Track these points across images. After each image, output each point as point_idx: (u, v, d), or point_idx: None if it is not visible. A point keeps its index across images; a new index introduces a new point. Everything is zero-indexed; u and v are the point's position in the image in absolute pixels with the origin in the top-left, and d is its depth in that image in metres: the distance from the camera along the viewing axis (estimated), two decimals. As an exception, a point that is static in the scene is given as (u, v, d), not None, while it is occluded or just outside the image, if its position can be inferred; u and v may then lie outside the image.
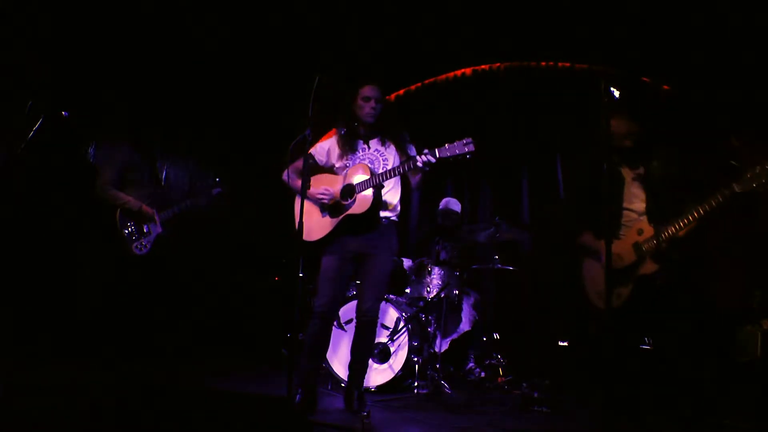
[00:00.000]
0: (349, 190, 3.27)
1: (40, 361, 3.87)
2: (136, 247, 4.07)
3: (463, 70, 5.94)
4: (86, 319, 4.07)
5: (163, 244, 4.23)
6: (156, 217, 4.16)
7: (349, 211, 3.25)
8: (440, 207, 5.34)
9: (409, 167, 3.14)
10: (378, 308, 3.42)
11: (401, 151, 3.40)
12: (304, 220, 3.42)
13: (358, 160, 3.39)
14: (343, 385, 3.80)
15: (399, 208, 3.50)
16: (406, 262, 5.05)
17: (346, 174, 3.35)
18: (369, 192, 3.22)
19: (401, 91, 6.24)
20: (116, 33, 4.69)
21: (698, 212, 3.08)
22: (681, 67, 4.61)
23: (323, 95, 3.22)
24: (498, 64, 5.78)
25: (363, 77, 3.46)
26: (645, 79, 5.00)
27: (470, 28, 5.08)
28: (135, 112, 4.49)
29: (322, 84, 3.05)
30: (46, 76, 4.26)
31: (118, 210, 4.06)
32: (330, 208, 3.34)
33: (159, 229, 4.18)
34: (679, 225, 3.14)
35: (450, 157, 3.02)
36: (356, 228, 3.31)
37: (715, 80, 4.37)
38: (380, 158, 3.41)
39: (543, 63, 5.52)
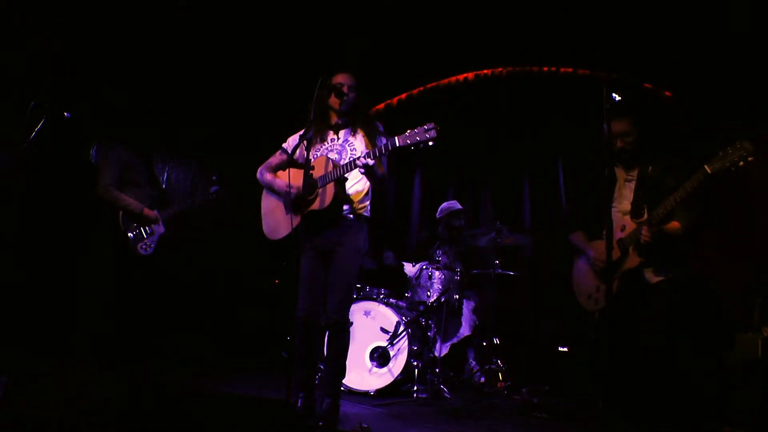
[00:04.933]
0: (312, 185, 3.14)
1: (41, 361, 3.87)
2: (141, 247, 4.08)
3: (465, 75, 5.95)
4: (90, 320, 4.06)
5: (166, 245, 4.23)
6: (159, 219, 4.18)
7: (311, 207, 3.12)
8: (441, 212, 5.26)
9: (371, 156, 2.98)
10: (345, 309, 3.20)
11: (370, 140, 3.24)
12: (271, 217, 3.37)
13: (326, 152, 3.26)
14: (343, 389, 3.75)
15: (368, 201, 3.32)
16: (407, 266, 5.06)
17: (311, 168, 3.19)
18: (330, 186, 3.09)
19: (403, 95, 6.25)
20: (116, 31, 4.66)
21: (675, 199, 3.06)
22: (683, 73, 4.61)
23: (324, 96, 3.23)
24: (500, 69, 5.78)
25: (336, 65, 3.36)
26: (647, 84, 5.01)
27: (472, 32, 5.09)
28: (132, 113, 4.48)
29: (323, 85, 3.04)
30: (46, 76, 4.25)
31: (120, 212, 4.07)
32: (294, 204, 3.18)
33: (162, 229, 4.19)
34: (658, 212, 3.14)
35: (411, 144, 2.88)
36: (319, 224, 3.17)
37: (717, 86, 4.37)
38: (348, 148, 3.26)
39: (545, 68, 5.53)
